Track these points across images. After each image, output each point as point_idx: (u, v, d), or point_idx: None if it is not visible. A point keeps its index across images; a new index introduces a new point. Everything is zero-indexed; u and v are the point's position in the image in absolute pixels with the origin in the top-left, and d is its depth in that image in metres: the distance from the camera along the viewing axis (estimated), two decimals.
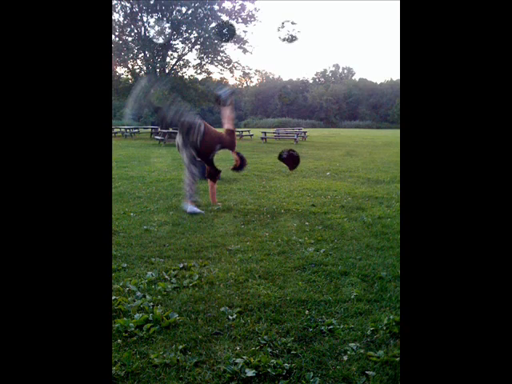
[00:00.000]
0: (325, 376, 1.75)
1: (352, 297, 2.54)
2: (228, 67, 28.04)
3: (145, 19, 26.48)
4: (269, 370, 1.76)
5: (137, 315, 2.24)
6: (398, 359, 1.83)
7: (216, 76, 28.94)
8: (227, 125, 5.45)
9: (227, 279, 2.81)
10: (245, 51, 27.46)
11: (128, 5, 25.68)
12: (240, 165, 5.51)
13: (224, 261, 3.21)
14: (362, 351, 1.93)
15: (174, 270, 2.97)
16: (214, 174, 5.56)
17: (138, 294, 2.56)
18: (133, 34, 26.37)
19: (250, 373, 1.73)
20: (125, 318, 2.20)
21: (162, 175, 8.23)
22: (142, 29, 26.43)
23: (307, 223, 4.50)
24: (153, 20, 26.40)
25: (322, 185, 7.39)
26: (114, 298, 2.48)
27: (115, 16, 26.62)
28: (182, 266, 3.07)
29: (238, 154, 5.48)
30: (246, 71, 28.77)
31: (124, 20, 26.30)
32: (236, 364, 1.79)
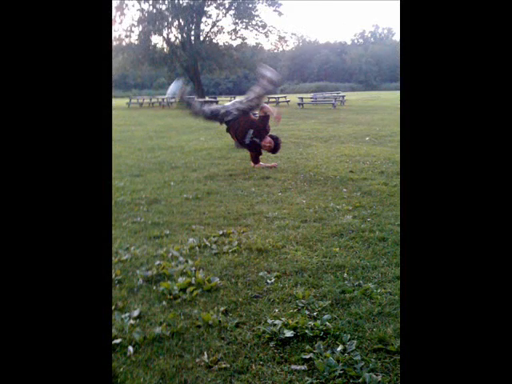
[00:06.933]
0: (361, 338, 1.79)
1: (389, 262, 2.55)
2: (263, 31, 27.49)
3: None
4: (306, 331, 1.83)
5: (180, 279, 2.35)
6: None
7: (251, 41, 28.21)
8: (261, 111, 5.81)
9: (265, 245, 2.87)
10: (280, 14, 26.76)
11: None
12: (274, 148, 5.82)
13: (262, 228, 3.28)
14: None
15: (214, 237, 3.06)
16: (254, 158, 6.00)
17: (181, 259, 2.68)
18: (167, 2, 26.19)
19: (289, 333, 1.80)
20: (169, 282, 2.32)
21: (200, 145, 8.35)
22: None
23: (345, 190, 4.48)
24: None
25: (361, 151, 7.24)
26: (158, 262, 2.62)
27: None
28: (221, 232, 3.17)
29: (272, 136, 5.79)
30: (282, 35, 28.11)
31: None
32: (275, 325, 1.87)
